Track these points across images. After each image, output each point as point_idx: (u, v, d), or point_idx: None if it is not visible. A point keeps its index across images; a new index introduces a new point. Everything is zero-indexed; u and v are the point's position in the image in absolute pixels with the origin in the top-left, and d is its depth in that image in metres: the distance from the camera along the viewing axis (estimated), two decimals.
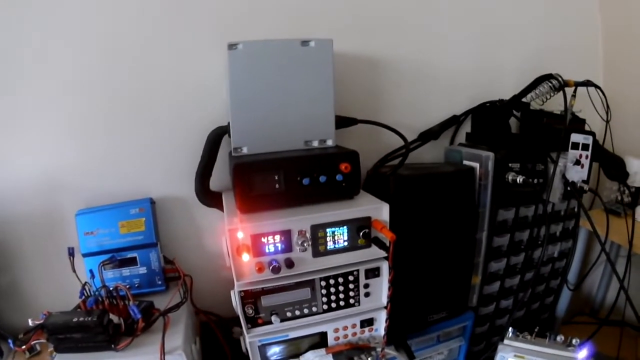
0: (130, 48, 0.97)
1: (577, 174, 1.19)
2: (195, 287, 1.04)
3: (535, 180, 1.10)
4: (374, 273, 0.91)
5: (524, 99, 1.19)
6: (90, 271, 0.95)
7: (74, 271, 0.94)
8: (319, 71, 0.94)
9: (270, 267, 0.84)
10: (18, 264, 1.03)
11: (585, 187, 1.18)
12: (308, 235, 0.86)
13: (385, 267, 0.91)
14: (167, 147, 1.02)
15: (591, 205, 1.40)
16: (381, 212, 0.89)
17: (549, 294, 1.34)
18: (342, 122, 1.02)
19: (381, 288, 0.93)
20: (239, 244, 0.82)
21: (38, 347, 0.99)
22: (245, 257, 0.82)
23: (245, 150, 0.93)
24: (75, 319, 0.84)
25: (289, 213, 0.86)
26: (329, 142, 0.96)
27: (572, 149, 1.17)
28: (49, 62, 0.94)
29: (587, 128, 1.25)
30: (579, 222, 1.28)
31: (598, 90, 1.30)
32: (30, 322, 0.86)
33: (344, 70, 1.09)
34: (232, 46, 0.89)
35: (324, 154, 0.90)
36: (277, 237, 0.84)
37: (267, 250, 0.84)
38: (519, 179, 1.03)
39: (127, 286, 0.89)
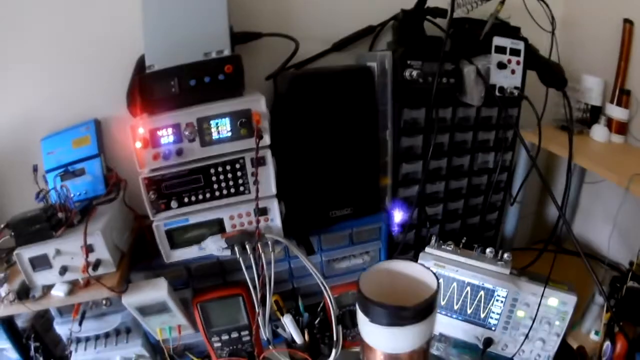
0: None
1: (506, 80, 1.17)
2: (134, 194, 1.22)
3: (445, 80, 1.11)
4: (259, 162, 1.02)
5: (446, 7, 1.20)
6: (45, 178, 1.18)
7: (37, 183, 1.15)
8: None
9: (163, 155, 0.99)
10: (1, 193, 1.28)
11: (515, 92, 1.15)
12: (195, 126, 1.00)
13: (269, 155, 1.01)
14: (110, 75, 1.20)
15: (538, 118, 1.33)
16: (259, 104, 1.00)
17: (491, 210, 1.30)
18: (246, 36, 1.15)
19: (269, 177, 1.03)
20: (139, 137, 0.99)
21: (14, 259, 1.22)
22: (138, 144, 0.98)
23: (156, 67, 1.09)
24: (28, 214, 1.04)
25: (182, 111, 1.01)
26: (226, 52, 1.08)
27: (496, 52, 1.16)
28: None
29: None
30: (518, 132, 1.23)
31: (541, 2, 1.26)
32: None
33: None
34: None
35: (208, 59, 1.04)
36: (170, 130, 0.99)
37: (162, 142, 1.00)
38: (414, 74, 1.06)
39: (70, 191, 1.10)
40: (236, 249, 1.02)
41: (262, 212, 1.05)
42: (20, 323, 1.26)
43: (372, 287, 0.66)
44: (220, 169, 1.02)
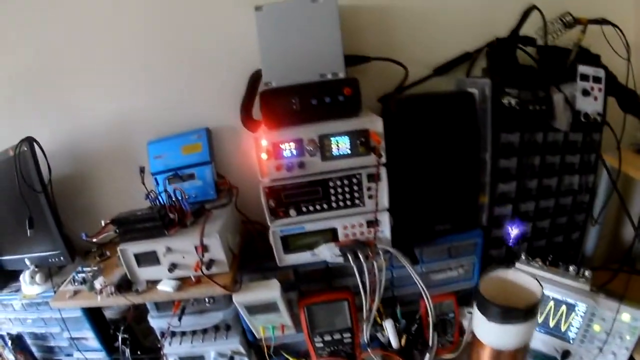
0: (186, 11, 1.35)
1: (590, 106, 1.32)
2: (243, 199, 1.37)
3: (538, 107, 1.26)
4: (374, 178, 1.17)
5: (534, 36, 1.35)
6: (155, 179, 1.33)
7: (144, 183, 1.25)
8: (328, 20, 1.21)
9: (286, 167, 1.14)
10: (95, 187, 1.45)
11: (598, 118, 1.31)
12: (317, 142, 1.15)
13: (384, 172, 1.16)
14: (221, 87, 1.38)
15: (619, 144, 1.48)
16: (376, 124, 1.14)
17: (574, 230, 1.45)
18: (356, 59, 1.31)
19: (383, 192, 1.18)
20: (263, 149, 1.14)
21: (108, 253, 1.35)
22: (264, 155, 1.13)
23: (273, 84, 1.25)
24: (139, 213, 1.17)
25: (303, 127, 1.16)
26: (340, 75, 1.23)
27: (581, 80, 1.31)
28: (122, 29, 1.34)
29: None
30: (599, 154, 1.39)
31: (617, 30, 1.40)
32: (102, 222, 1.18)
33: (362, 18, 1.37)
34: (257, 8, 1.21)
35: (328, 81, 1.19)
36: (292, 144, 1.14)
37: (284, 155, 1.14)
38: (512, 101, 1.22)
39: (185, 193, 1.25)
40: (349, 256, 1.17)
41: (375, 223, 1.20)
42: (109, 314, 1.41)
43: (488, 291, 0.80)
44: (338, 182, 1.17)
